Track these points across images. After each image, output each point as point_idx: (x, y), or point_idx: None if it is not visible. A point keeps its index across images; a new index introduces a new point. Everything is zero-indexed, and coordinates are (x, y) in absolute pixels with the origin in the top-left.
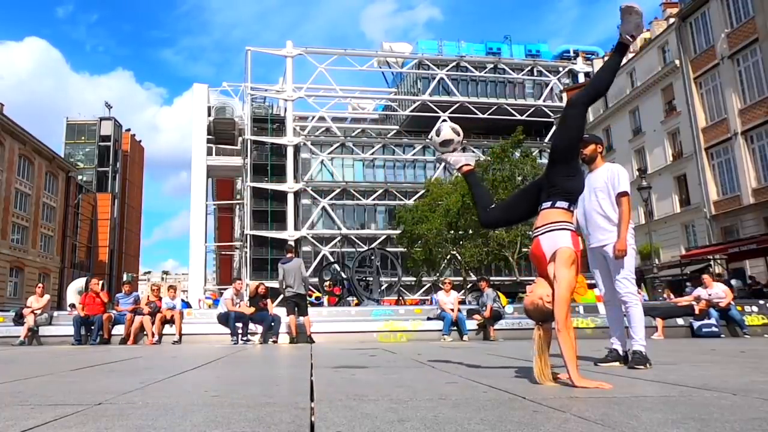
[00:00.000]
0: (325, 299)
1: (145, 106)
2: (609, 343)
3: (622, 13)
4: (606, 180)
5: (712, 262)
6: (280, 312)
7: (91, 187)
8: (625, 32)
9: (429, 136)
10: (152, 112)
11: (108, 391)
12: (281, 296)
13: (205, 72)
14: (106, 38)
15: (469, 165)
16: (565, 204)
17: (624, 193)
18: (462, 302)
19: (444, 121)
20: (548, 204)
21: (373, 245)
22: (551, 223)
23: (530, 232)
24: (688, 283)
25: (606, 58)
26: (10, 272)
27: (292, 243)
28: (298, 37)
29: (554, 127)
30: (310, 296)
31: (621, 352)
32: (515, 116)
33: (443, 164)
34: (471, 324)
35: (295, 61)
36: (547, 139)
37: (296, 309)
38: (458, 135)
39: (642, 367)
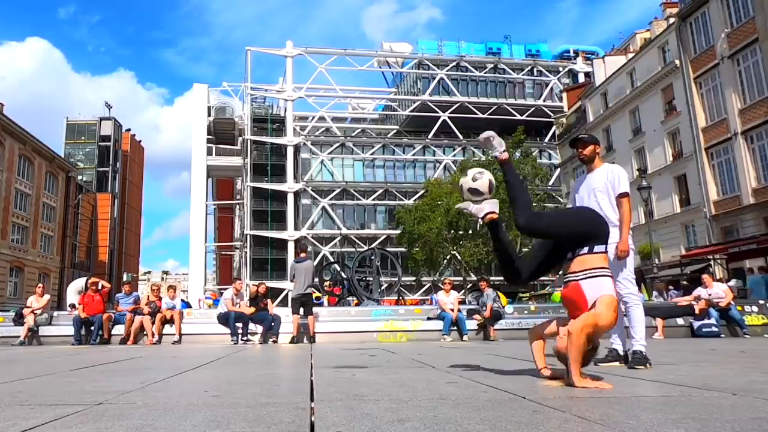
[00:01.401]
0: (325, 299)
1: (146, 107)
2: (609, 342)
3: (484, 144)
4: (606, 181)
5: (712, 262)
6: (281, 312)
7: (91, 187)
8: (496, 154)
9: (467, 178)
10: (153, 112)
11: (108, 391)
12: (281, 296)
13: (206, 72)
14: (107, 39)
15: (494, 213)
16: (602, 247)
17: (624, 194)
18: (462, 302)
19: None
20: (585, 250)
21: (373, 245)
22: (593, 269)
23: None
24: (670, 287)
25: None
26: (10, 272)
27: (305, 244)
28: (299, 38)
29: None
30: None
31: (621, 352)
32: (515, 116)
33: (443, 164)
34: (471, 324)
35: (295, 61)
36: (547, 139)
37: (302, 309)
38: (491, 191)
39: (642, 367)
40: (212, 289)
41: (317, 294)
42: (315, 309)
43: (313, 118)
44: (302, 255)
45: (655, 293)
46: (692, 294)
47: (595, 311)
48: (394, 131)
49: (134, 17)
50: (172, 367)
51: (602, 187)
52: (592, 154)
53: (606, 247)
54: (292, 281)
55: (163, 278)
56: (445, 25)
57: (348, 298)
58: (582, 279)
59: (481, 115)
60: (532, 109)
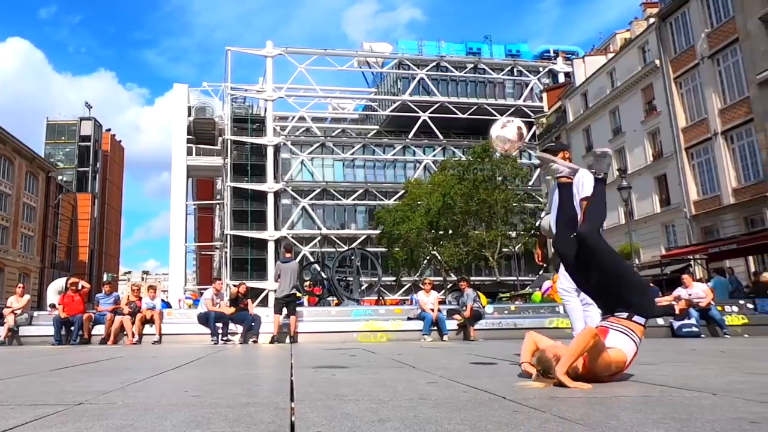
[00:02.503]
0: (305, 299)
1: (127, 107)
2: None
3: (596, 157)
4: (573, 185)
5: (692, 262)
6: (261, 312)
7: (72, 187)
8: (598, 170)
9: (496, 125)
10: (134, 113)
11: (88, 391)
12: (261, 296)
13: (187, 73)
14: (88, 39)
15: (568, 178)
16: (642, 320)
17: (586, 198)
18: (442, 302)
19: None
20: (624, 315)
21: (353, 245)
22: (628, 328)
23: (510, 232)
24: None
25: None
26: None
27: (290, 244)
28: (280, 39)
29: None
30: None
31: None
32: (495, 116)
33: (423, 164)
34: (451, 324)
35: (276, 61)
36: (527, 139)
37: (284, 309)
38: (520, 138)
39: None
40: (192, 289)
41: (298, 294)
42: (297, 309)
43: (293, 118)
44: (287, 255)
45: None
46: (672, 294)
47: (606, 352)
48: (374, 131)
49: (115, 18)
50: (152, 367)
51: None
52: (563, 159)
53: (645, 322)
54: (276, 281)
55: (143, 278)
56: (426, 25)
57: (328, 298)
58: (613, 329)
59: (461, 115)
60: (512, 109)
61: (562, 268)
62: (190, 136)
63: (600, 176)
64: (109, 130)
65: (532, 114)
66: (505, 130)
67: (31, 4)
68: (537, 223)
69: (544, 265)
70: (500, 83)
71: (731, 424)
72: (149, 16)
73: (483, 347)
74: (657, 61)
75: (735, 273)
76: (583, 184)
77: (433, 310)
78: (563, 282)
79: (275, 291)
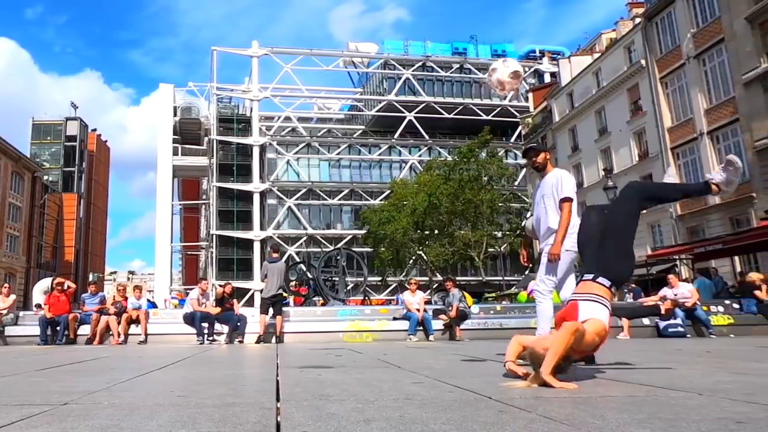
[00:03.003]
0: (291, 299)
1: (113, 107)
2: None
3: (726, 163)
4: (552, 186)
5: (678, 262)
6: (246, 312)
7: (57, 187)
8: (718, 182)
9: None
10: (120, 113)
11: (74, 391)
12: (247, 296)
13: (173, 73)
14: (74, 39)
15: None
16: (606, 282)
17: (566, 199)
18: (428, 302)
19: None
20: (590, 277)
21: (339, 245)
22: (594, 294)
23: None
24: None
25: (686, 185)
26: None
27: (276, 244)
28: (267, 39)
29: (611, 204)
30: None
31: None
32: (481, 116)
33: (409, 164)
34: (437, 324)
35: (262, 61)
36: (513, 139)
37: (271, 309)
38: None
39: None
40: (178, 289)
41: (284, 295)
42: (284, 309)
43: (279, 118)
44: (275, 255)
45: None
46: (658, 294)
47: (585, 327)
48: (360, 131)
49: (101, 18)
50: (138, 367)
51: (549, 192)
52: (544, 161)
53: (612, 286)
54: (263, 280)
55: (129, 278)
56: (412, 25)
57: (314, 298)
58: (582, 300)
59: (446, 115)
60: (498, 109)
61: (541, 270)
62: (176, 136)
63: (717, 183)
64: (94, 130)
65: (518, 114)
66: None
67: (17, 4)
68: (522, 223)
69: (530, 265)
70: (486, 83)
71: (717, 424)
72: (135, 16)
73: (469, 347)
74: (643, 61)
75: (720, 273)
76: (563, 186)
77: (418, 310)
78: (539, 285)
79: (261, 291)
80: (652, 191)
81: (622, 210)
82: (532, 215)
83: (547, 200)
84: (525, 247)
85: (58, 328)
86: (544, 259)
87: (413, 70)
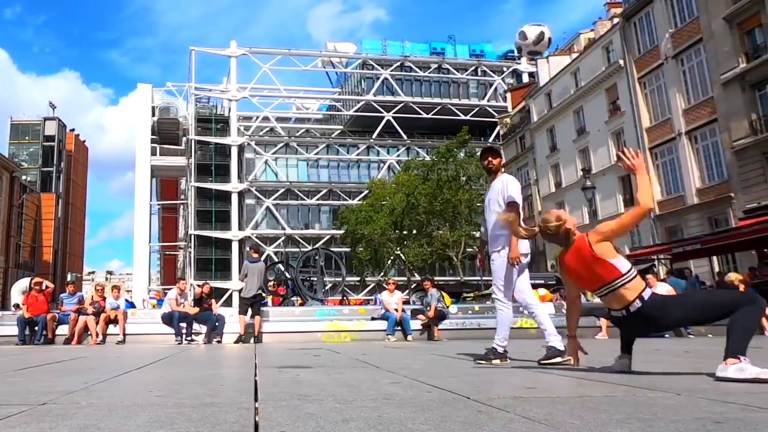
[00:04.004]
0: (269, 299)
1: (91, 107)
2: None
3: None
4: (499, 190)
5: (656, 262)
6: (225, 312)
7: (36, 187)
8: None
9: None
10: (99, 113)
11: (52, 391)
12: (225, 296)
13: (152, 73)
14: (53, 39)
15: None
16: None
17: (513, 203)
18: (406, 302)
19: None
20: None
21: (317, 245)
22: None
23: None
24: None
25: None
26: None
27: (258, 244)
28: (245, 39)
29: None
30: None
31: (560, 348)
32: (459, 116)
33: (387, 164)
34: (415, 324)
35: (240, 61)
36: (491, 139)
37: (249, 309)
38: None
39: (493, 362)
40: (156, 289)
41: (263, 295)
42: (262, 309)
43: (258, 118)
44: (255, 255)
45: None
46: None
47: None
48: (338, 131)
49: (79, 18)
50: (116, 367)
51: (495, 197)
52: (499, 165)
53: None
54: (242, 280)
55: (107, 278)
56: (390, 25)
57: (292, 298)
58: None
59: (425, 115)
60: (476, 109)
61: (497, 276)
62: (154, 136)
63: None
64: (73, 130)
65: (496, 114)
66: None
67: None
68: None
69: (484, 269)
70: (464, 83)
71: (695, 424)
72: (114, 16)
73: (447, 347)
74: (621, 61)
75: (699, 273)
76: (509, 190)
77: (397, 310)
78: (498, 292)
79: (240, 291)
80: None
81: None
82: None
83: (493, 205)
84: (482, 252)
85: (36, 328)
86: (496, 265)
87: (391, 70)
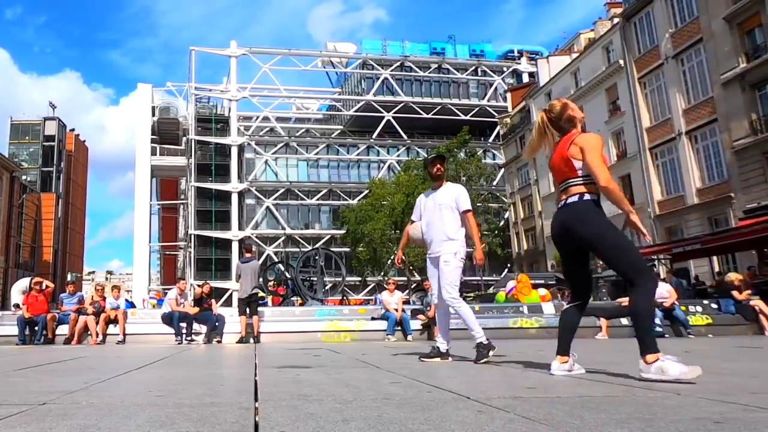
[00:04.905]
0: (269, 299)
1: (92, 107)
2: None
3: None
4: (453, 198)
5: (656, 262)
6: (225, 312)
7: (36, 187)
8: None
9: None
10: (99, 113)
11: (52, 391)
12: (225, 296)
13: (153, 73)
14: (53, 40)
15: None
16: None
17: (469, 211)
18: (406, 302)
19: None
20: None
21: (317, 245)
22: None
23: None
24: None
25: None
26: None
27: (250, 243)
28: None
29: None
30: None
31: (443, 349)
32: (459, 116)
33: (387, 164)
34: (415, 324)
35: (240, 61)
36: (491, 139)
37: (248, 309)
38: None
39: (489, 354)
40: (156, 289)
41: (261, 294)
42: (260, 309)
43: (258, 118)
44: (247, 255)
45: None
46: None
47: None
48: (338, 131)
49: (80, 18)
50: (116, 367)
51: (447, 204)
52: (444, 172)
53: None
54: (238, 281)
55: (107, 278)
56: (391, 25)
57: (292, 298)
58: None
59: (425, 115)
60: (476, 109)
61: (447, 280)
62: (154, 136)
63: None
64: (73, 129)
65: (496, 114)
66: None
67: None
68: (500, 223)
69: (401, 267)
70: (464, 83)
71: (695, 423)
72: (115, 16)
73: None
74: (621, 61)
75: (698, 273)
76: (463, 199)
77: (397, 310)
78: (450, 291)
79: (238, 291)
80: None
81: None
82: (414, 221)
83: (444, 209)
84: (402, 249)
85: (36, 328)
86: (451, 267)
87: (391, 70)
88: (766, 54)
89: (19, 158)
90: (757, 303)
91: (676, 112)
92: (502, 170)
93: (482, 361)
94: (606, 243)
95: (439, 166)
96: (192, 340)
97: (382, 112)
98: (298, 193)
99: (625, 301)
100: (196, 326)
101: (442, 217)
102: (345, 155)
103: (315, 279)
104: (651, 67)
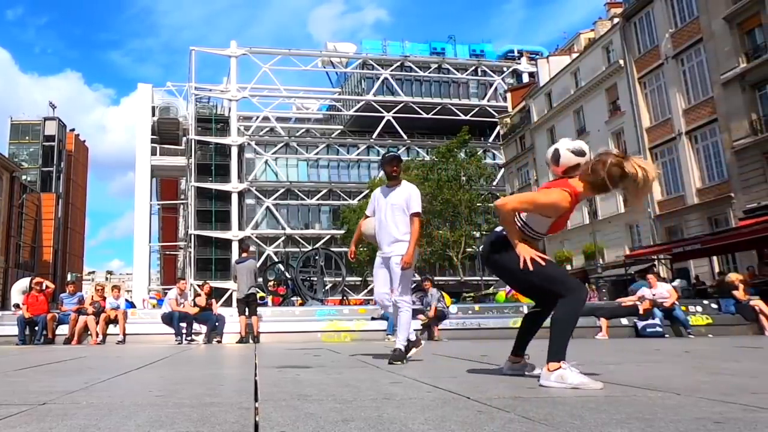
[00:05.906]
0: (269, 299)
1: (93, 107)
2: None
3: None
4: (405, 199)
5: (656, 262)
6: (225, 312)
7: (36, 187)
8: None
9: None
10: (100, 113)
11: (52, 391)
12: (225, 296)
13: (153, 73)
14: (54, 40)
15: None
16: None
17: (417, 214)
18: None
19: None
20: None
21: (317, 245)
22: None
23: (475, 232)
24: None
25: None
26: None
27: (248, 243)
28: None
29: None
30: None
31: (413, 338)
32: (459, 116)
33: None
34: (415, 324)
35: (240, 61)
36: (491, 139)
37: (246, 309)
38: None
39: (399, 362)
40: (156, 289)
41: (261, 294)
42: (259, 309)
43: (258, 118)
44: (244, 255)
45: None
46: (636, 294)
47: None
48: (339, 131)
49: (81, 19)
50: (117, 367)
51: (399, 204)
52: (400, 173)
53: None
54: (235, 281)
55: (107, 278)
56: (391, 26)
57: (292, 298)
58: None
59: (425, 115)
60: (477, 109)
61: (396, 280)
62: (155, 136)
63: None
64: (73, 130)
65: (496, 114)
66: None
67: None
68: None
69: (353, 261)
70: (464, 83)
71: (695, 424)
72: (115, 17)
73: (447, 347)
74: (621, 61)
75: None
76: (414, 201)
77: None
78: (403, 295)
79: (236, 292)
80: None
81: None
82: (369, 217)
83: (396, 210)
84: (355, 243)
85: (36, 328)
86: (397, 268)
87: (391, 70)
88: (766, 54)
89: (19, 158)
90: (757, 303)
91: (676, 112)
92: (502, 170)
93: (393, 362)
94: (528, 276)
95: (395, 167)
96: (192, 340)
97: (382, 112)
98: (298, 193)
99: (625, 300)
100: (196, 326)
101: (394, 218)
102: (345, 155)
103: (315, 279)
104: (651, 67)
